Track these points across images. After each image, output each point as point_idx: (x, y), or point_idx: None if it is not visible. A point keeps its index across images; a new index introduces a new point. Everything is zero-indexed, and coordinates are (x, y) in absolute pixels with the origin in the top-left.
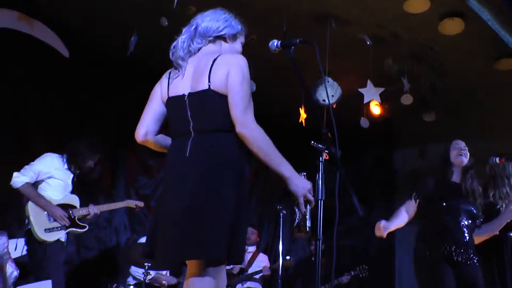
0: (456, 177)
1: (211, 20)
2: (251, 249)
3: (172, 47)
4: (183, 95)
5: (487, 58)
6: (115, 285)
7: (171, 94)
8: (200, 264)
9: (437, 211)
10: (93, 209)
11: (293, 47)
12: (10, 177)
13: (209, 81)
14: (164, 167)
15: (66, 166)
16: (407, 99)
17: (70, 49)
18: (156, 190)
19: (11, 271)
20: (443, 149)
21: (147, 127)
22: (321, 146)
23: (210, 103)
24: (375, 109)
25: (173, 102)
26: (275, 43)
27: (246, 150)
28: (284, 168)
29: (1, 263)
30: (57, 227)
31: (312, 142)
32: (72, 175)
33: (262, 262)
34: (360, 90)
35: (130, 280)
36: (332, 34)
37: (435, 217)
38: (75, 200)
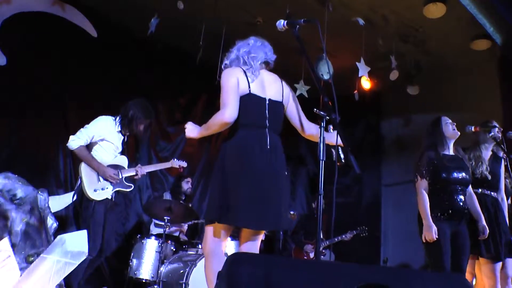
0: (449, 150)
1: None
2: None
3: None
4: (265, 98)
5: (465, 39)
6: (139, 235)
7: (252, 92)
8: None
9: (441, 181)
10: (141, 170)
11: (298, 26)
12: (48, 142)
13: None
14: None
15: (118, 128)
16: (394, 75)
17: (98, 30)
18: (174, 153)
19: (51, 223)
20: (434, 125)
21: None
22: (322, 113)
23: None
24: (365, 84)
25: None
26: (281, 22)
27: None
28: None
29: (43, 216)
30: (105, 187)
31: (315, 109)
32: (122, 137)
33: None
34: (358, 64)
35: (152, 231)
36: (329, 16)
37: (440, 186)
38: (124, 161)
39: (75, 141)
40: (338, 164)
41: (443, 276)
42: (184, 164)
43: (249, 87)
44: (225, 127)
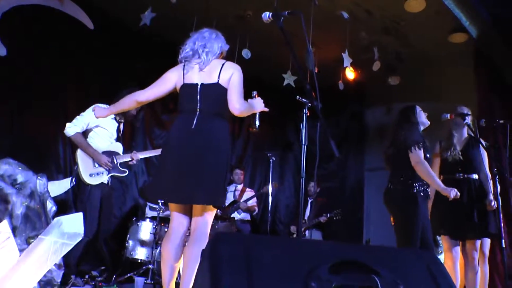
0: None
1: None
2: (240, 187)
3: (208, 52)
4: (197, 84)
5: (444, 32)
6: (134, 218)
7: (185, 82)
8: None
9: (427, 160)
10: (135, 156)
11: (282, 18)
12: (48, 131)
13: (218, 78)
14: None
15: (112, 116)
16: (376, 66)
17: (94, 22)
18: None
19: (51, 206)
20: (409, 113)
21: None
22: (305, 100)
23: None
24: (350, 74)
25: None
26: (267, 14)
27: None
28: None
29: (43, 200)
30: (100, 172)
31: (298, 96)
32: (117, 124)
33: (249, 195)
34: (343, 55)
35: (148, 214)
36: (315, 10)
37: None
38: (119, 148)
39: (71, 128)
40: (250, 129)
41: (415, 252)
42: None
43: (183, 79)
44: (134, 105)
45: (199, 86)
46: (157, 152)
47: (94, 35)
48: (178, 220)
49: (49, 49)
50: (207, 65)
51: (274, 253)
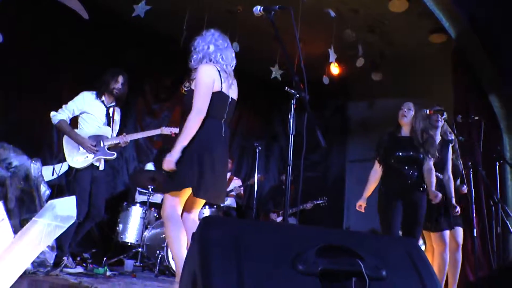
0: (404, 132)
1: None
2: (228, 175)
3: (228, 64)
4: (229, 96)
5: (425, 32)
6: (125, 203)
7: (223, 90)
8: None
9: (390, 159)
10: (124, 138)
11: (273, 12)
12: (43, 117)
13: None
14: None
15: (98, 100)
16: (360, 62)
17: (89, 12)
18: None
19: (44, 190)
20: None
21: None
22: (293, 91)
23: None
24: (334, 69)
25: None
26: (258, 8)
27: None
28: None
29: (37, 184)
30: (85, 156)
31: (286, 88)
32: (106, 109)
33: (236, 183)
34: (330, 50)
35: (137, 199)
36: (303, 7)
37: (389, 164)
38: (107, 132)
39: (56, 117)
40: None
41: (396, 239)
42: (176, 130)
43: (221, 86)
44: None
45: (229, 99)
46: (153, 132)
47: (89, 25)
48: (179, 208)
49: (45, 36)
50: (230, 77)
51: (263, 237)
